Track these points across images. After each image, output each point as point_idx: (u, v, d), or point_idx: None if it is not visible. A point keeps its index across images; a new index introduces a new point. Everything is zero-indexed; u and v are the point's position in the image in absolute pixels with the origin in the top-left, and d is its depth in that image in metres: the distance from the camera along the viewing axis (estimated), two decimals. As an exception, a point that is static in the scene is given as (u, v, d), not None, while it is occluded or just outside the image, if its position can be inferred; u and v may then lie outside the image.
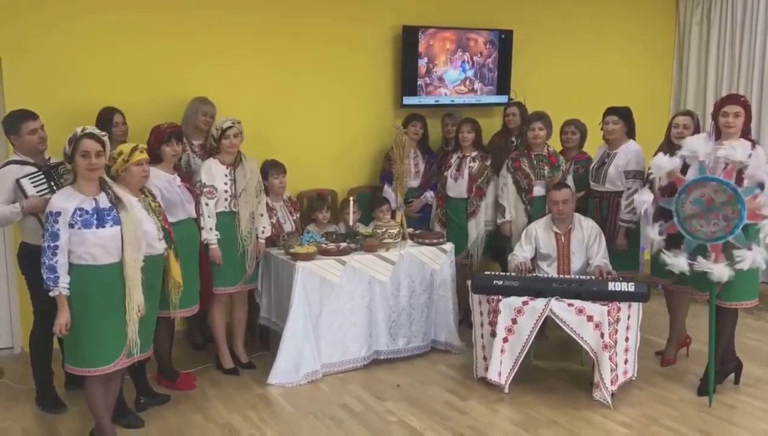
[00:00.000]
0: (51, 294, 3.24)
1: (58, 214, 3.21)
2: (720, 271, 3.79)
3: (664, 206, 4.00)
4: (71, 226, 3.22)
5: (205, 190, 4.28)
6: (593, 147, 5.18)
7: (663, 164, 3.98)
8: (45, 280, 3.22)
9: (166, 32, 4.94)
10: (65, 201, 3.24)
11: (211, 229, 4.29)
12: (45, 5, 4.60)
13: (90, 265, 3.28)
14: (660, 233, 4.01)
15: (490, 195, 5.22)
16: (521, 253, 4.60)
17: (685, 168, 4.01)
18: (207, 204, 4.28)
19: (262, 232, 4.55)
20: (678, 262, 3.89)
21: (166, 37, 4.94)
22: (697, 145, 3.88)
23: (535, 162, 4.98)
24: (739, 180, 3.82)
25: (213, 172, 4.32)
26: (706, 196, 3.80)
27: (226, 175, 4.35)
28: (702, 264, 3.82)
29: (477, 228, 5.24)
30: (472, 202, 5.21)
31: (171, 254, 3.71)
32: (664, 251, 3.96)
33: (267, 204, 4.73)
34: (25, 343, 4.70)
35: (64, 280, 3.23)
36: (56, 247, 3.20)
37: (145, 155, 3.59)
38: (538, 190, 4.97)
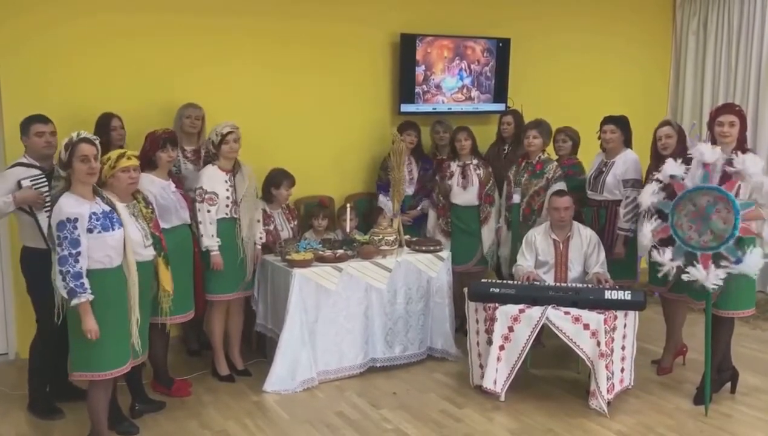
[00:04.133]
0: (75, 302, 3.18)
1: (76, 220, 3.19)
2: (710, 278, 3.80)
3: (661, 209, 4.00)
4: (89, 230, 3.22)
5: (206, 196, 4.27)
6: (588, 155, 5.18)
7: (670, 170, 4.01)
8: (72, 288, 3.15)
9: (164, 36, 4.94)
10: (78, 207, 3.23)
11: (212, 235, 4.29)
12: (42, 9, 4.58)
13: (106, 268, 3.30)
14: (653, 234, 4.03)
15: (497, 201, 5.25)
16: (525, 262, 4.60)
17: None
18: (209, 211, 4.27)
19: (260, 238, 4.55)
20: (666, 261, 3.90)
21: (163, 41, 4.94)
22: (705, 151, 3.89)
23: (521, 169, 5.01)
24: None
25: (213, 179, 4.32)
26: (699, 207, 3.83)
27: (226, 182, 4.35)
28: (692, 273, 3.82)
29: (491, 234, 5.26)
30: (484, 208, 5.23)
31: (161, 261, 3.70)
32: (655, 247, 3.98)
33: (265, 211, 4.74)
34: (20, 349, 4.69)
35: (89, 285, 3.22)
36: (78, 253, 3.18)
37: (132, 162, 3.56)
38: (516, 197, 5.02)
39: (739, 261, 3.77)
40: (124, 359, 3.45)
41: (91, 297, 3.21)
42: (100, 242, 3.25)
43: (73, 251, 3.17)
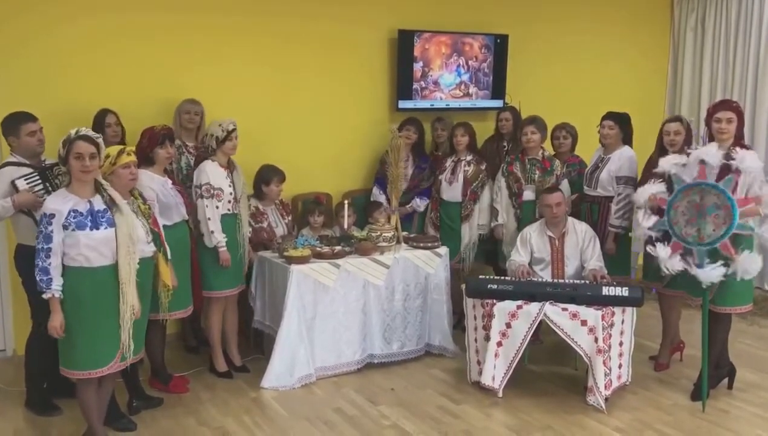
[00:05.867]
0: (44, 296, 3.22)
1: (52, 215, 3.20)
2: (746, 264, 3.79)
3: (661, 228, 4.01)
4: (65, 227, 3.21)
5: (214, 192, 4.26)
6: (586, 150, 5.18)
7: (645, 194, 4.06)
8: (38, 282, 3.20)
9: (161, 34, 4.93)
10: (59, 203, 3.23)
11: (220, 231, 4.28)
12: (38, 8, 4.58)
13: (83, 267, 3.27)
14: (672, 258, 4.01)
15: (485, 199, 5.22)
16: (518, 258, 4.60)
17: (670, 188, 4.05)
18: (217, 207, 4.27)
19: (249, 233, 4.59)
20: (709, 276, 3.86)
21: (161, 39, 4.93)
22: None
23: (528, 166, 5.01)
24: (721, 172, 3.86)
25: (217, 175, 4.31)
26: (694, 203, 3.84)
27: (227, 178, 4.35)
28: (732, 270, 3.81)
29: (470, 232, 5.25)
30: (466, 205, 5.22)
31: (161, 256, 3.69)
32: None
33: (258, 208, 4.74)
34: (18, 346, 4.68)
35: (57, 282, 3.22)
36: (49, 249, 3.19)
37: (132, 158, 3.57)
38: (528, 194, 5.00)
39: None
40: (105, 360, 3.38)
41: (57, 295, 3.21)
42: (73, 240, 3.23)
43: (45, 246, 3.19)
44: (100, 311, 3.32)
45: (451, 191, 5.26)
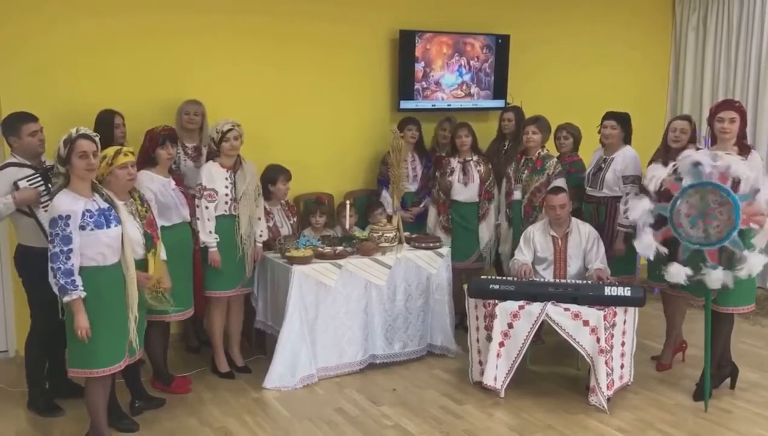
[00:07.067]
0: (67, 299, 3.18)
1: (69, 217, 3.18)
2: (718, 276, 3.78)
3: (660, 213, 4.00)
4: (82, 228, 3.22)
5: (205, 193, 4.27)
6: (589, 151, 5.18)
7: (658, 174, 3.99)
8: (62, 285, 3.16)
9: (163, 35, 4.93)
10: (71, 204, 3.22)
11: (210, 232, 4.28)
12: (41, 8, 4.58)
13: (100, 266, 3.29)
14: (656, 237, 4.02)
15: (496, 198, 5.25)
16: (522, 257, 4.60)
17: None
18: (207, 207, 4.27)
19: (260, 235, 4.54)
20: (678, 273, 3.88)
21: (162, 40, 4.93)
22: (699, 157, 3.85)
23: (521, 166, 5.01)
24: (735, 184, 3.82)
25: (213, 175, 4.31)
26: (704, 201, 3.82)
27: (226, 179, 4.34)
28: (712, 274, 3.79)
29: (489, 230, 5.26)
30: (483, 204, 5.23)
31: (150, 256, 3.66)
32: (663, 265, 3.96)
33: (264, 208, 4.73)
34: (20, 347, 4.68)
35: (80, 282, 3.21)
36: (70, 250, 3.18)
37: (129, 158, 3.56)
38: (516, 194, 5.03)
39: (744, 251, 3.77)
40: (120, 356, 3.44)
41: (83, 294, 3.21)
42: (93, 240, 3.24)
43: (65, 248, 3.17)
44: (115, 308, 3.36)
45: (467, 192, 5.23)
